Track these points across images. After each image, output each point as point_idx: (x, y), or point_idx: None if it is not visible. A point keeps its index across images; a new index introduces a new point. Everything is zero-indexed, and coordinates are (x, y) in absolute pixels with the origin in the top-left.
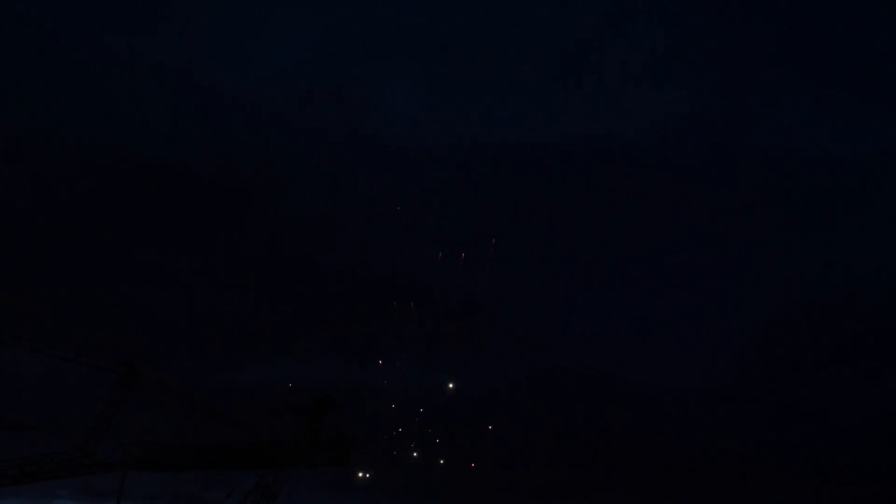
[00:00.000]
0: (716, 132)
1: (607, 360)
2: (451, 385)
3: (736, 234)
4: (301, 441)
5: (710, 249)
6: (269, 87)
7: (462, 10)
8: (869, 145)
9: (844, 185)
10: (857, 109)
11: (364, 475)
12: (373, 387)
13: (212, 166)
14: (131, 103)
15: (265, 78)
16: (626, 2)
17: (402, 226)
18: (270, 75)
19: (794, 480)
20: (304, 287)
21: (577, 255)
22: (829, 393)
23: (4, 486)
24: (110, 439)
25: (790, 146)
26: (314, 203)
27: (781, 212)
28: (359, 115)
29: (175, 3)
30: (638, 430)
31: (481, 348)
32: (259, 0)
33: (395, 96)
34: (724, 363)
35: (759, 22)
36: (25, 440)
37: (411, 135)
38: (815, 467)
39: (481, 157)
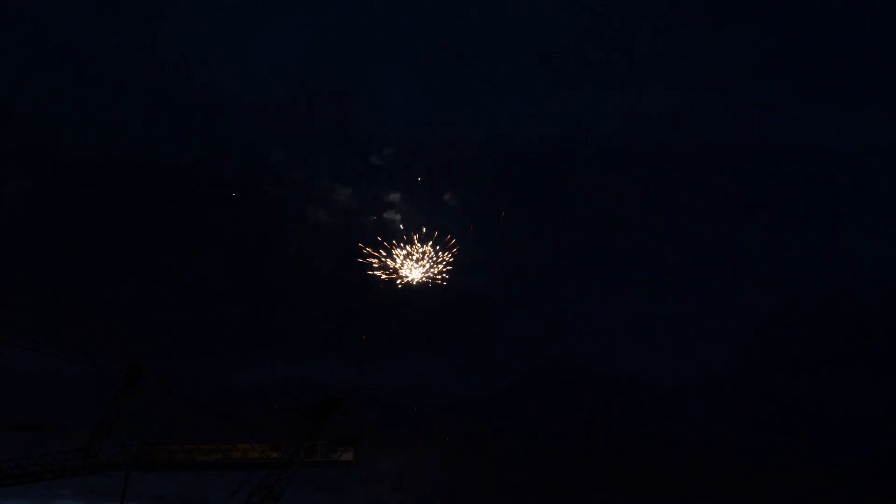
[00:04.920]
0: (715, 130)
1: (607, 358)
2: None
3: (736, 233)
4: (304, 441)
5: (710, 249)
6: (266, 87)
7: (459, 8)
8: (870, 143)
9: (845, 183)
10: (858, 106)
11: None
12: (373, 387)
13: (208, 165)
14: (130, 104)
15: (262, 78)
16: None
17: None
18: (267, 75)
19: (795, 478)
20: (303, 286)
21: (577, 254)
22: (830, 391)
23: (7, 485)
24: (113, 439)
25: (790, 144)
26: (310, 201)
27: (781, 211)
28: (356, 114)
29: (170, 3)
30: (638, 429)
31: (480, 347)
32: (255, 0)
33: (392, 95)
34: (724, 362)
35: (757, 17)
36: (28, 440)
37: (409, 133)
38: (815, 465)
39: (480, 155)
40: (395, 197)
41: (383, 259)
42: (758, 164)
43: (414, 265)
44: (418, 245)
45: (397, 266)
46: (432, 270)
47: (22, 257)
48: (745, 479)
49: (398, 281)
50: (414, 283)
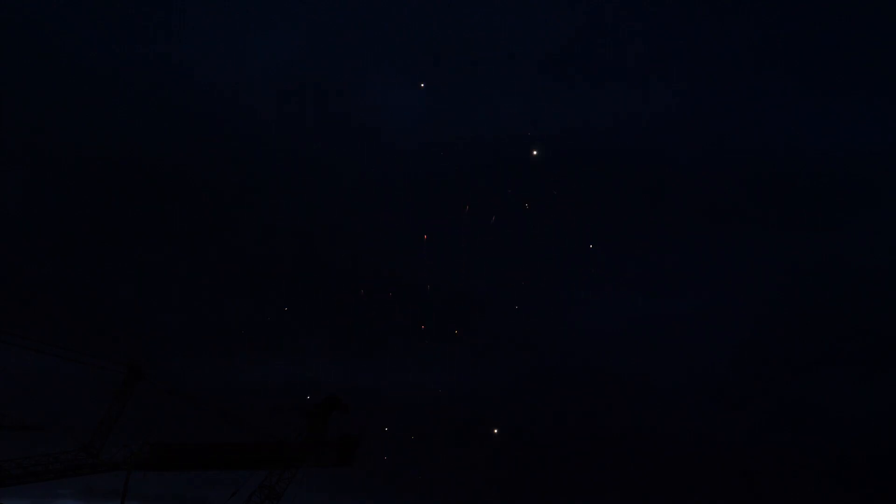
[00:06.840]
0: (715, 129)
1: (606, 358)
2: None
3: (736, 233)
4: (305, 441)
5: (709, 249)
6: (264, 85)
7: (458, 6)
8: (871, 143)
9: (845, 183)
10: (860, 105)
11: None
12: (374, 387)
13: (208, 165)
14: (127, 103)
15: (260, 76)
16: None
17: (399, 225)
18: (265, 74)
19: (796, 478)
20: (302, 286)
21: (576, 254)
22: (830, 391)
23: (8, 485)
24: (114, 439)
25: (790, 143)
26: (310, 201)
27: (781, 211)
28: (354, 113)
29: (167, 1)
30: (637, 429)
31: (480, 347)
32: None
33: (391, 94)
34: (724, 362)
35: (757, 15)
36: (28, 440)
37: (407, 132)
38: (815, 465)
39: (479, 155)
40: None
41: None
42: (758, 164)
43: None
44: None
45: None
46: None
47: (22, 257)
48: (746, 480)
49: None
50: None
